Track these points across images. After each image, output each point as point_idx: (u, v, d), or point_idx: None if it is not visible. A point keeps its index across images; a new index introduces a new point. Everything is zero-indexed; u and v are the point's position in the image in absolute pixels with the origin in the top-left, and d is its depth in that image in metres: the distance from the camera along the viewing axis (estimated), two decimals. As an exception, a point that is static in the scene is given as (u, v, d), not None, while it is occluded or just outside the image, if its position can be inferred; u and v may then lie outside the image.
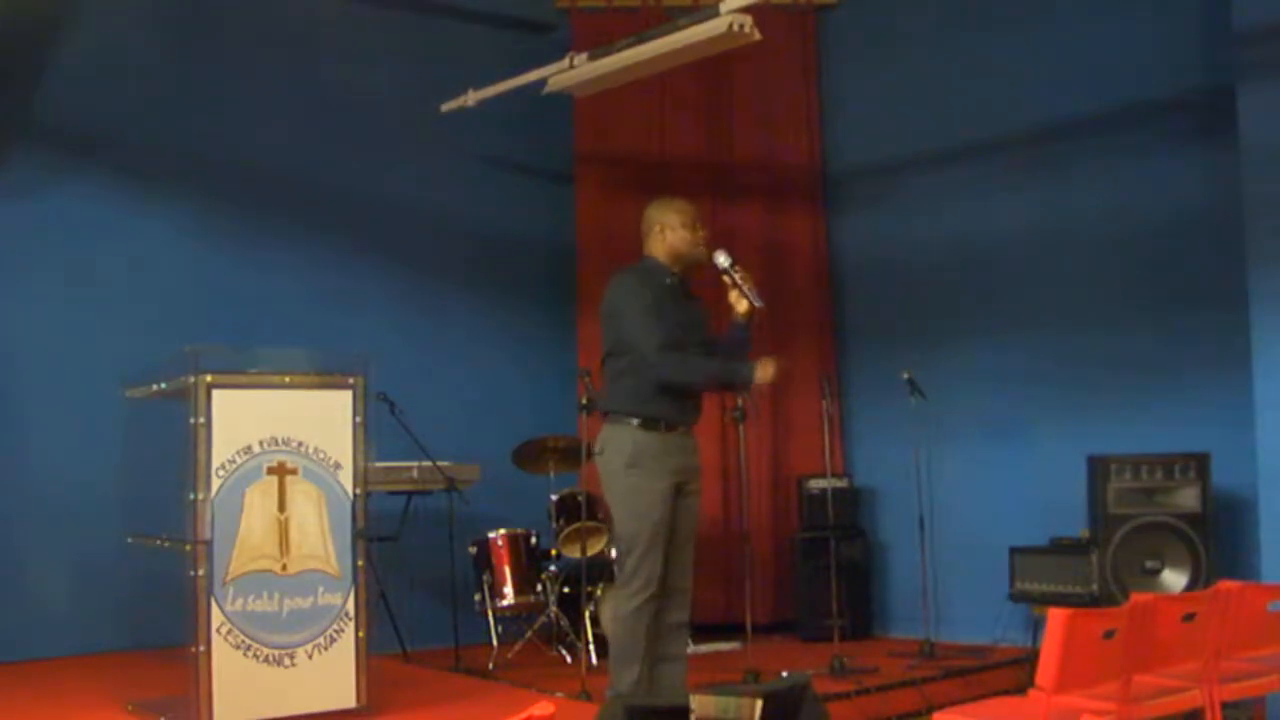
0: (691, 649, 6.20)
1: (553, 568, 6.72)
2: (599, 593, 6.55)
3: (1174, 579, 6.01)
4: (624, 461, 4.90)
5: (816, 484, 7.34)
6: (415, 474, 6.63)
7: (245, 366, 5.08)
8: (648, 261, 5.09)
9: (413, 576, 6.91)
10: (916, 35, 7.58)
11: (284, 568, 4.93)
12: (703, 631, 6.92)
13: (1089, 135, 6.79)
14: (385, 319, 7.28)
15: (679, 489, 4.95)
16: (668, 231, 5.06)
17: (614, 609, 5.06)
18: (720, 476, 7.54)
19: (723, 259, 5.00)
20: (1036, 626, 6.43)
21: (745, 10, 5.23)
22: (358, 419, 5.11)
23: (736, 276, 4.99)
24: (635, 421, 4.90)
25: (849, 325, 7.97)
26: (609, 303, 5.02)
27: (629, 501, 4.91)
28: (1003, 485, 6.98)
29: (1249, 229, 5.72)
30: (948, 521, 6.93)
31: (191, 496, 4.82)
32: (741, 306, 5.01)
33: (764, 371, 4.89)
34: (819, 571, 6.97)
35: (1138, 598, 3.89)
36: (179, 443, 4.87)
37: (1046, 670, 3.63)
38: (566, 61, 6.06)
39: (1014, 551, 6.52)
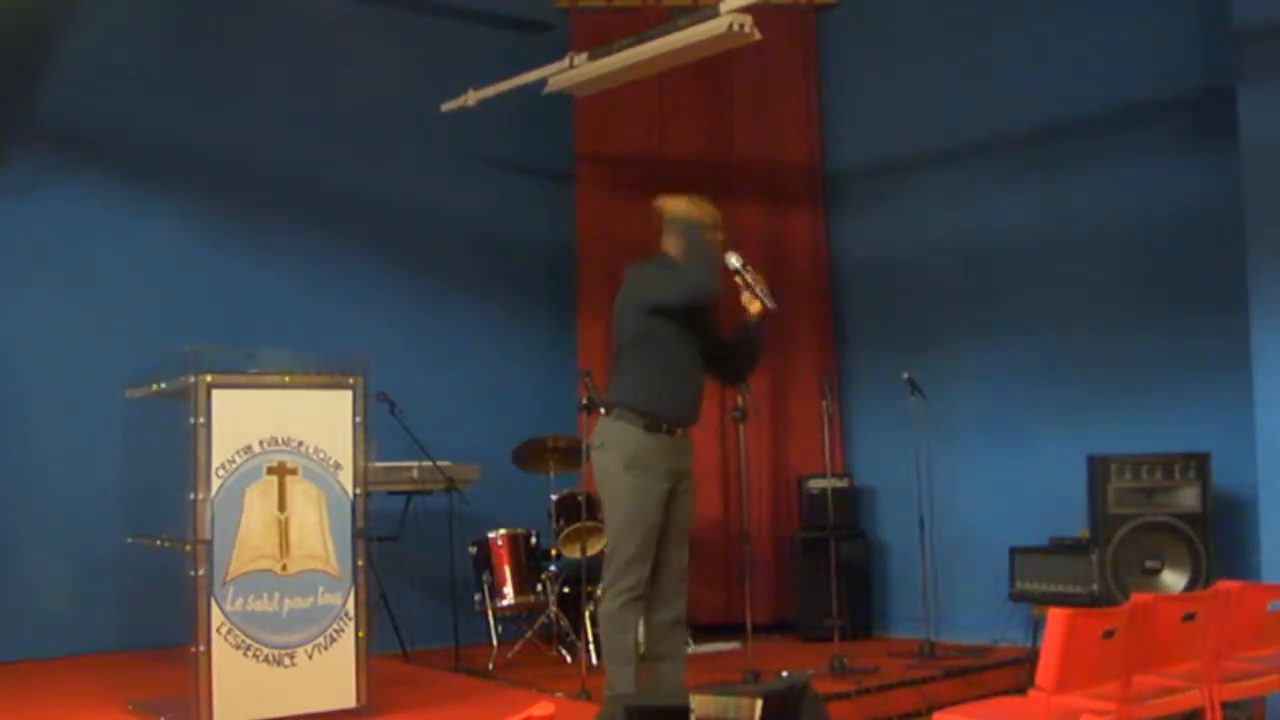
0: (691, 649, 6.21)
1: (553, 568, 6.72)
2: (599, 593, 6.55)
3: (1174, 579, 6.01)
4: (624, 461, 4.87)
5: (816, 484, 7.33)
6: (415, 474, 6.63)
7: (245, 366, 5.08)
8: (665, 259, 5.06)
9: (413, 576, 6.91)
10: (917, 35, 7.58)
11: (284, 568, 4.93)
12: (703, 631, 6.92)
13: (1089, 135, 6.79)
14: (385, 319, 7.28)
15: (672, 490, 4.94)
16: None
17: (601, 610, 5.05)
18: (720, 476, 7.55)
19: (734, 260, 4.99)
20: (1036, 626, 6.43)
21: (745, 10, 5.23)
22: (358, 419, 5.12)
23: (748, 277, 4.98)
24: (640, 422, 4.89)
25: (849, 325, 7.97)
26: (629, 291, 4.99)
27: (627, 502, 4.87)
28: (1003, 485, 6.98)
29: (1249, 229, 5.72)
30: (948, 521, 6.92)
31: (191, 496, 4.82)
32: (754, 307, 5.00)
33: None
34: (819, 571, 6.95)
35: (1138, 598, 3.89)
36: (179, 443, 4.87)
37: (1046, 670, 3.63)
38: (566, 61, 6.06)
39: (1014, 551, 6.52)
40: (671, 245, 5.05)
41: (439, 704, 5.52)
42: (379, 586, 6.27)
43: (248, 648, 4.83)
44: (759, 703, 3.96)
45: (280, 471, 4.96)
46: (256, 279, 6.96)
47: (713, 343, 5.09)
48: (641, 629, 5.19)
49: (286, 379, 5.06)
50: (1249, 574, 5.67)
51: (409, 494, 6.74)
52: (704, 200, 5.09)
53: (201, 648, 4.74)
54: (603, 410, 5.06)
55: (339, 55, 7.32)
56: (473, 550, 6.75)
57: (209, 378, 4.85)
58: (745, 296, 5.02)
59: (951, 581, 6.96)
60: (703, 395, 5.10)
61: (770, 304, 4.96)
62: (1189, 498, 6.05)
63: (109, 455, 6.31)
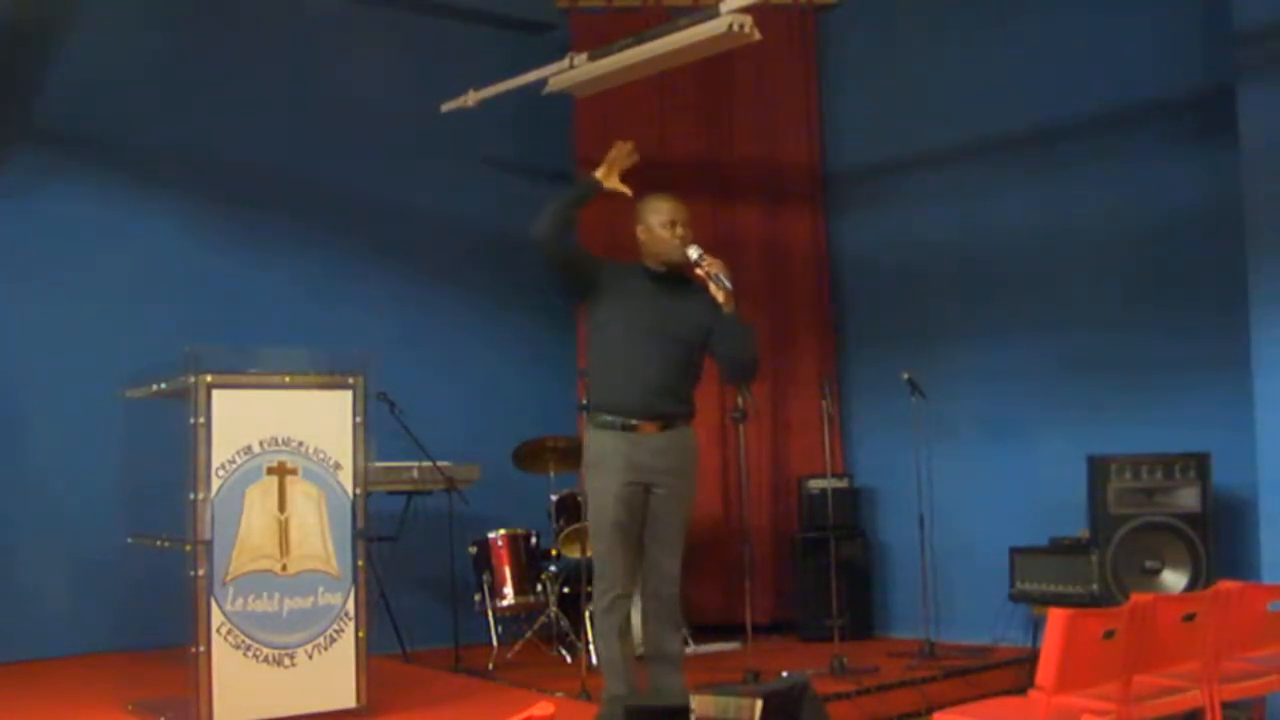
0: (691, 649, 6.22)
1: (553, 568, 6.72)
2: (598, 593, 6.56)
3: (1174, 579, 6.01)
4: (586, 462, 4.97)
5: (816, 484, 7.33)
6: (415, 474, 6.63)
7: (245, 366, 5.08)
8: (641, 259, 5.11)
9: (413, 576, 6.91)
10: (917, 35, 7.57)
11: (284, 568, 4.94)
12: (703, 631, 6.92)
13: (1089, 135, 6.79)
14: (385, 318, 7.28)
15: (647, 489, 4.89)
16: (644, 233, 5.05)
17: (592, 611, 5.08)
18: (720, 476, 7.54)
19: (693, 253, 4.96)
20: (1036, 626, 6.43)
21: (745, 10, 5.23)
22: (358, 419, 5.12)
23: (705, 266, 4.94)
24: (596, 420, 4.94)
25: (849, 325, 7.96)
26: None
27: (589, 502, 4.97)
28: (1003, 485, 6.98)
29: (1249, 229, 5.72)
30: (948, 521, 6.91)
31: (191, 496, 4.83)
32: (720, 297, 4.97)
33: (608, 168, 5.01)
34: (819, 571, 6.96)
35: (1138, 598, 3.89)
36: (179, 443, 4.87)
37: (1046, 670, 3.63)
38: (566, 61, 6.06)
39: (1014, 551, 6.52)
40: (639, 246, 5.10)
41: (439, 704, 5.52)
42: (379, 586, 6.27)
43: (248, 648, 4.84)
44: (759, 703, 3.97)
45: (280, 471, 4.97)
46: (256, 279, 6.96)
47: (695, 330, 5.04)
48: (638, 630, 5.19)
49: (286, 379, 5.06)
50: (1249, 574, 5.68)
51: (409, 494, 6.74)
52: (659, 199, 5.07)
53: (201, 648, 4.75)
54: None
55: (339, 55, 7.31)
56: (473, 550, 6.75)
57: (209, 378, 4.86)
58: (712, 288, 4.98)
59: (951, 581, 6.95)
60: (667, 385, 4.93)
61: (727, 286, 4.85)
62: (1189, 498, 6.04)
63: (109, 455, 6.30)
